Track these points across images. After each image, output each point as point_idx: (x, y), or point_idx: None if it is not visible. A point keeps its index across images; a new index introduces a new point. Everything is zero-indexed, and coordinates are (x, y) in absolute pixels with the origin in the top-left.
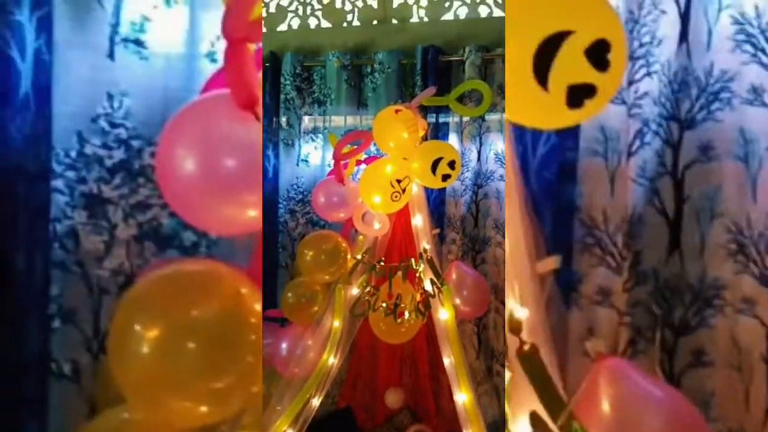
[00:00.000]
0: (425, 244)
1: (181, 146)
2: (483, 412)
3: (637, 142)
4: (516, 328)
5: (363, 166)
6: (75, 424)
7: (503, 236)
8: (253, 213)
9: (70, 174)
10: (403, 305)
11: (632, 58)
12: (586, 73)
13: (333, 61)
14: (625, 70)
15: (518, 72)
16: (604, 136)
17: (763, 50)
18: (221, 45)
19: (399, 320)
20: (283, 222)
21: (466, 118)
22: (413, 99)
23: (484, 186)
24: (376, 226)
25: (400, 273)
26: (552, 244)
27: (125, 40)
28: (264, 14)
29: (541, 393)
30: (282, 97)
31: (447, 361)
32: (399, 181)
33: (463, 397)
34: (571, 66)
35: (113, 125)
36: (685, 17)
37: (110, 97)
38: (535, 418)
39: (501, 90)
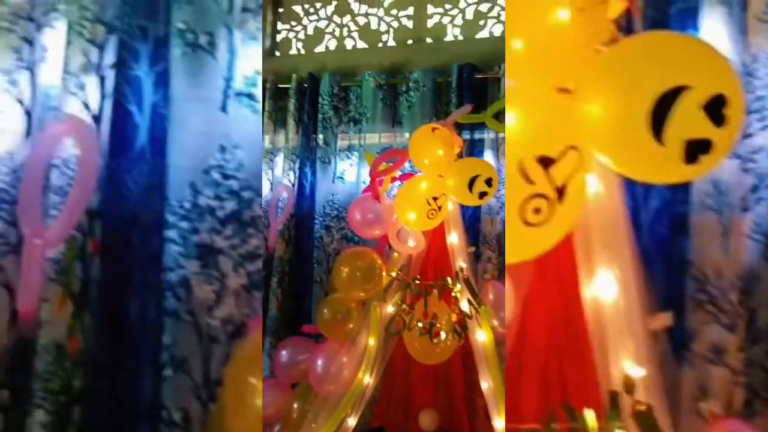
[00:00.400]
0: (461, 263)
1: None
2: None
3: (752, 197)
4: (630, 387)
5: (398, 183)
6: None
7: None
8: None
9: (184, 224)
10: (438, 325)
11: (747, 111)
12: (703, 129)
13: (369, 80)
14: (741, 125)
15: (631, 126)
16: (717, 191)
17: None
18: None
19: (435, 340)
20: (318, 237)
21: (502, 135)
22: (449, 116)
23: None
24: (411, 243)
25: (435, 292)
26: (664, 301)
27: (238, 93)
28: (302, 37)
29: None
30: (320, 116)
31: (485, 385)
32: (435, 199)
33: (501, 423)
34: (688, 121)
35: (225, 177)
36: None
37: (223, 149)
38: None
39: None
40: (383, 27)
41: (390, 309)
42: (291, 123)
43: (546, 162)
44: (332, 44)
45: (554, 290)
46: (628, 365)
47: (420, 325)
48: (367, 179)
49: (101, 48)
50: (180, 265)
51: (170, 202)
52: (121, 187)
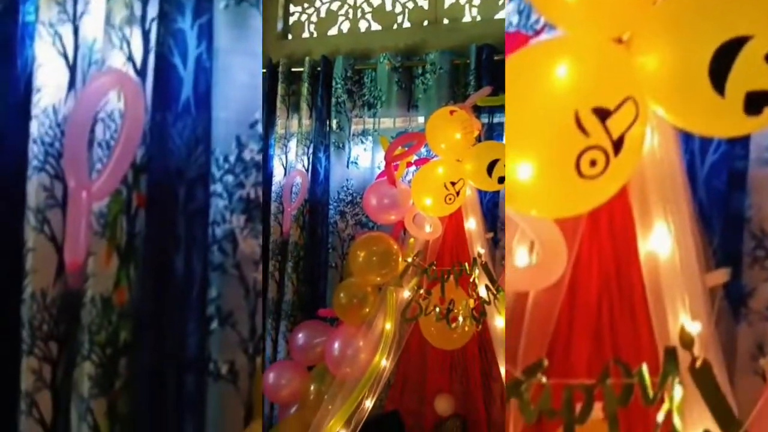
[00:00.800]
0: (479, 249)
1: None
2: None
3: None
4: (688, 342)
5: (413, 168)
6: (231, 424)
7: None
8: None
9: (229, 178)
10: (456, 310)
11: None
12: (767, 80)
13: (384, 63)
14: None
15: (691, 77)
16: None
17: None
18: None
19: (453, 325)
20: (333, 223)
21: None
22: (467, 99)
23: None
24: (428, 228)
25: (452, 278)
26: (721, 257)
27: None
28: (315, 19)
29: (714, 411)
30: (333, 100)
31: (503, 370)
32: (453, 183)
33: None
34: (750, 72)
35: None
36: None
37: None
38: None
39: None
40: (398, 8)
41: (406, 294)
42: (304, 107)
43: (602, 113)
44: (346, 26)
45: (607, 245)
46: (686, 321)
47: (437, 310)
48: (382, 164)
49: (144, 1)
50: (225, 219)
51: (215, 156)
52: (166, 141)
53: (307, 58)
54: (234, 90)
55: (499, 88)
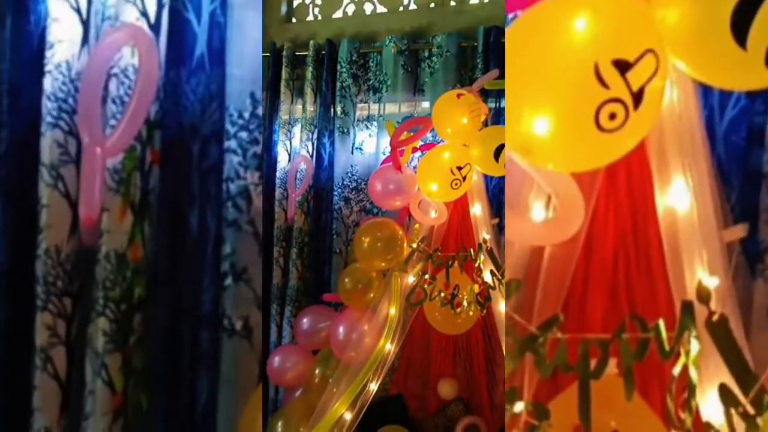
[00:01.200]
0: (485, 234)
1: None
2: None
3: None
4: (705, 296)
5: (419, 154)
6: (245, 380)
7: None
8: None
9: (243, 134)
10: (460, 296)
11: None
12: None
13: (389, 46)
14: None
15: (712, 30)
16: None
17: None
18: None
19: (457, 310)
20: (337, 209)
21: None
22: (474, 83)
23: None
24: (433, 214)
25: (457, 263)
26: (738, 212)
27: None
28: (319, 2)
29: (731, 365)
30: (338, 84)
31: None
32: (460, 169)
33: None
34: None
35: None
36: None
37: None
38: (724, 391)
39: None
40: None
41: (411, 279)
42: (308, 92)
43: (623, 65)
44: (350, 9)
45: (624, 200)
46: (703, 275)
47: (442, 295)
48: (387, 150)
49: None
50: (240, 175)
51: (230, 112)
52: (179, 97)
53: (311, 42)
54: (248, 46)
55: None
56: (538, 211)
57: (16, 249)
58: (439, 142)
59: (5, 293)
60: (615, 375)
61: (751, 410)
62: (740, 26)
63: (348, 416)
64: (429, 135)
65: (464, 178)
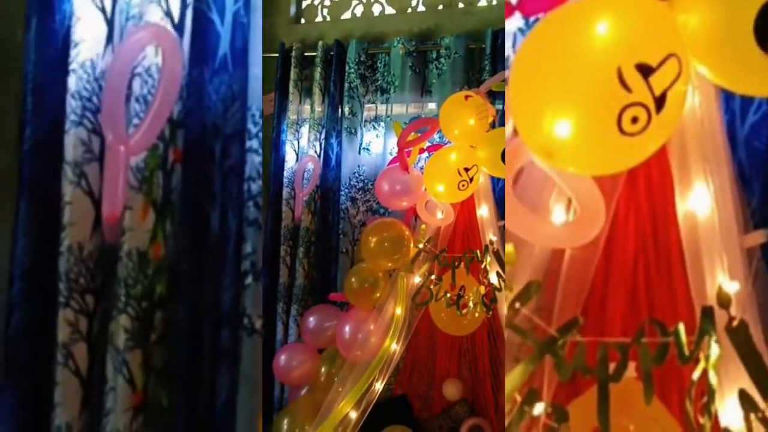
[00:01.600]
0: (491, 236)
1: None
2: None
3: None
4: (725, 301)
5: (426, 155)
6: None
7: None
8: None
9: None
10: (466, 297)
11: None
12: None
13: (398, 47)
14: None
15: (735, 35)
16: None
17: None
18: None
19: (463, 311)
20: (344, 209)
21: None
22: (482, 85)
23: None
24: (439, 215)
25: (463, 264)
26: (759, 218)
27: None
28: (328, 3)
29: (750, 370)
30: (346, 85)
31: None
32: (467, 170)
33: None
34: None
35: None
36: None
37: None
38: (744, 396)
39: None
40: None
41: (417, 280)
42: (317, 92)
43: (645, 70)
44: (359, 10)
45: (645, 204)
46: (723, 280)
47: (447, 296)
48: (394, 151)
49: None
50: (261, 174)
51: (251, 113)
52: (202, 97)
53: (320, 43)
54: None
55: None
56: (558, 214)
57: (40, 246)
58: (446, 143)
59: (28, 290)
60: (634, 378)
61: None
62: (764, 31)
63: (353, 415)
64: (436, 136)
65: (471, 180)
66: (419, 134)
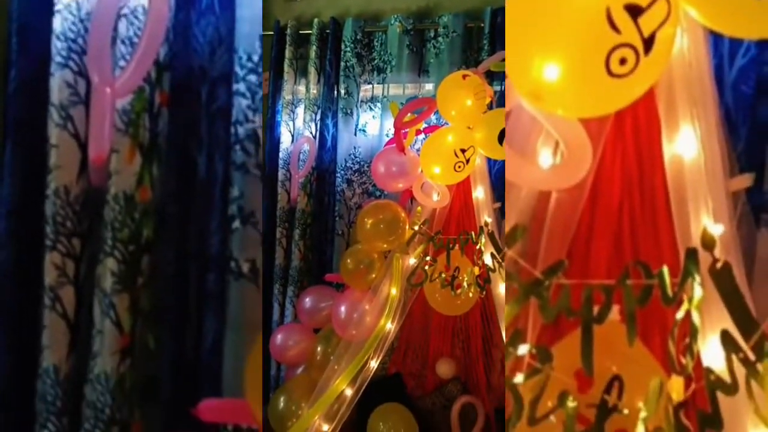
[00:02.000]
0: (486, 218)
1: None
2: None
3: None
4: (710, 243)
5: (422, 136)
6: (251, 322)
7: None
8: None
9: (252, 77)
10: (460, 278)
11: None
12: None
13: (395, 26)
14: None
15: None
16: None
17: None
18: None
19: (458, 291)
20: (340, 191)
21: None
22: (480, 64)
23: None
24: (435, 197)
25: (458, 246)
26: (745, 162)
27: None
28: None
29: (733, 312)
30: (342, 64)
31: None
32: (463, 151)
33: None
34: None
35: None
36: None
37: None
38: (726, 337)
39: None
40: None
41: (412, 261)
42: (312, 72)
43: (635, 10)
44: None
45: (631, 146)
46: (708, 223)
47: (442, 276)
48: (390, 132)
49: None
50: (248, 118)
51: (239, 55)
52: (189, 39)
53: (315, 20)
54: None
55: None
56: (545, 157)
57: (26, 188)
58: (443, 125)
59: (15, 232)
60: (618, 321)
61: (751, 356)
62: None
63: (348, 392)
64: (433, 117)
65: (467, 161)
66: (416, 114)
